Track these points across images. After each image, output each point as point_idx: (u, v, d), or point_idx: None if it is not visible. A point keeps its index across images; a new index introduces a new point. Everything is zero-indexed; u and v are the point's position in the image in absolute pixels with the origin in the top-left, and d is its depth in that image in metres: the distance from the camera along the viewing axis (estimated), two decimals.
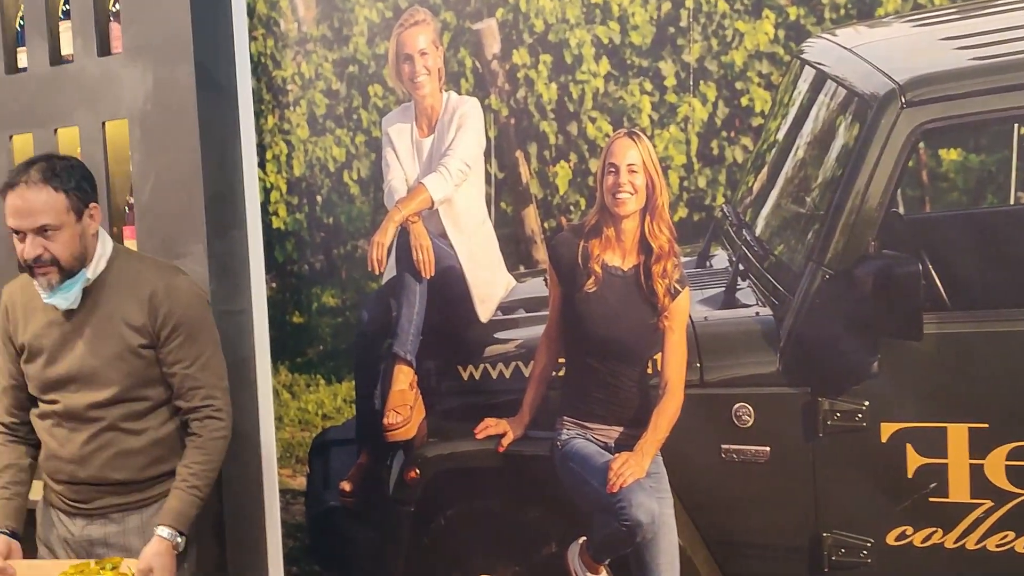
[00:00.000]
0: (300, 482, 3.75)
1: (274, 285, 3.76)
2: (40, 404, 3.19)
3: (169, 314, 3.09)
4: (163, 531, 3.04)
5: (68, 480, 3.16)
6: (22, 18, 4.00)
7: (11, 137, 4.03)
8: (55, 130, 3.94)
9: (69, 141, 3.94)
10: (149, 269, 3.16)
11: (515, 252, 3.37)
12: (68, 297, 3.06)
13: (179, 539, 3.05)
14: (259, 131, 3.75)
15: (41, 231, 2.98)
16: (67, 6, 3.90)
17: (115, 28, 3.82)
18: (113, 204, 3.85)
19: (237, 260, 3.75)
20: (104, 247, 3.12)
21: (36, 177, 2.98)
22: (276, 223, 3.74)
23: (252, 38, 3.75)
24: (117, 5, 3.81)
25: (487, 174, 3.39)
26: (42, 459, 3.22)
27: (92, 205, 3.07)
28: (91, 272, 3.08)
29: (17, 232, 3.00)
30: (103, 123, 3.84)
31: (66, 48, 3.92)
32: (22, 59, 4.02)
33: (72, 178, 3.02)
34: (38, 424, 3.20)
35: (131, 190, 3.82)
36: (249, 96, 3.75)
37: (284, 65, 3.71)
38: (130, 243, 3.81)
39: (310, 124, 3.67)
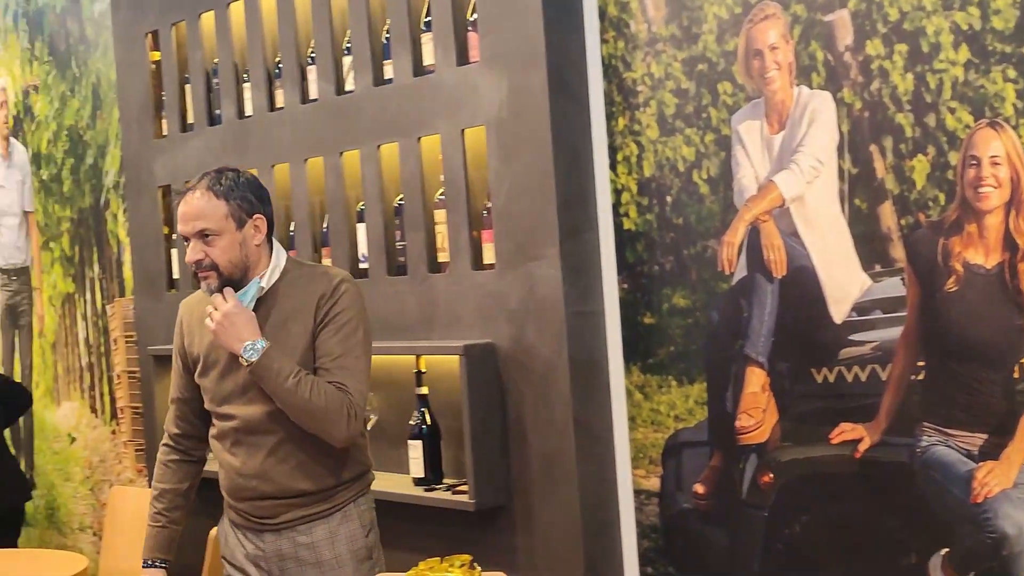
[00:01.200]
0: (653, 483, 3.75)
1: (625, 286, 3.77)
2: (216, 422, 3.30)
3: (330, 310, 3.17)
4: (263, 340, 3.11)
5: (253, 497, 3.24)
6: (387, 31, 4.19)
7: (379, 147, 4.24)
8: (418, 138, 4.10)
9: (431, 149, 4.09)
10: (321, 276, 3.25)
11: (870, 250, 3.24)
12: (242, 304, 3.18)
13: (255, 349, 3.07)
14: (610, 133, 3.78)
15: (202, 236, 3.14)
16: (428, 18, 4.05)
17: (472, 38, 3.95)
18: (472, 209, 3.97)
19: (589, 262, 3.79)
20: (278, 258, 3.25)
21: (203, 185, 3.17)
22: (627, 224, 3.76)
23: (603, 40, 3.78)
24: (475, 15, 3.93)
25: (840, 170, 3.29)
26: (223, 481, 3.32)
27: (256, 216, 3.18)
28: (265, 281, 3.21)
29: (186, 239, 3.18)
30: (462, 130, 3.97)
31: (427, 59, 4.08)
32: (388, 71, 4.22)
33: (236, 189, 3.16)
34: (216, 446, 3.32)
35: (488, 195, 3.94)
36: (600, 99, 3.79)
37: (634, 66, 3.72)
38: (487, 246, 3.92)
39: (659, 124, 3.66)
